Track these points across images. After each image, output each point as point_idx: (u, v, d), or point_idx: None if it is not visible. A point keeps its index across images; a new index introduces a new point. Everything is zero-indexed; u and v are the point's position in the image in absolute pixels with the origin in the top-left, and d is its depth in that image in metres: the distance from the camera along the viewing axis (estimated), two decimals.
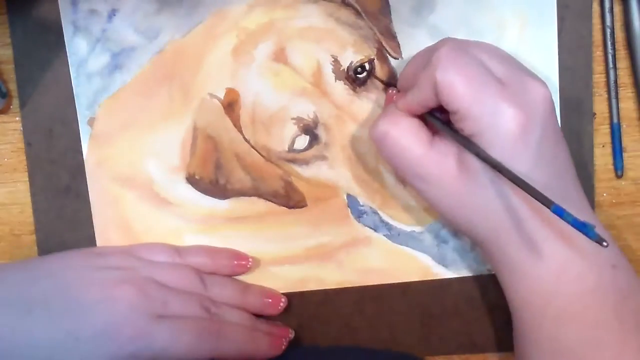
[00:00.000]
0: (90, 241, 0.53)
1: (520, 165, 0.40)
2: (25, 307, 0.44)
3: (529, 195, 0.39)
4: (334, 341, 0.54)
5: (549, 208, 0.38)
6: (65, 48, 0.52)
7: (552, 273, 0.42)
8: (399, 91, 0.49)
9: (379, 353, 0.53)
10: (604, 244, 0.36)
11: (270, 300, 0.52)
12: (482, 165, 0.41)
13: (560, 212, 0.37)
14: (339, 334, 0.54)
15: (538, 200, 0.38)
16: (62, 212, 0.53)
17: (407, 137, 0.44)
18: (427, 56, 0.43)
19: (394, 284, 0.53)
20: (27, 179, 0.53)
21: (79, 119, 0.52)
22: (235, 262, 0.52)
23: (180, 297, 0.48)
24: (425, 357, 0.53)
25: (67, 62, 0.52)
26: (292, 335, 0.52)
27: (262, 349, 0.50)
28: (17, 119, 0.53)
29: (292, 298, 0.53)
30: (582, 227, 0.37)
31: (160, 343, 0.45)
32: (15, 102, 0.53)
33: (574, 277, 0.42)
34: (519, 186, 0.39)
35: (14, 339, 0.43)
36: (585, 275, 0.42)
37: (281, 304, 0.52)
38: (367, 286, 0.53)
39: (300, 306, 0.53)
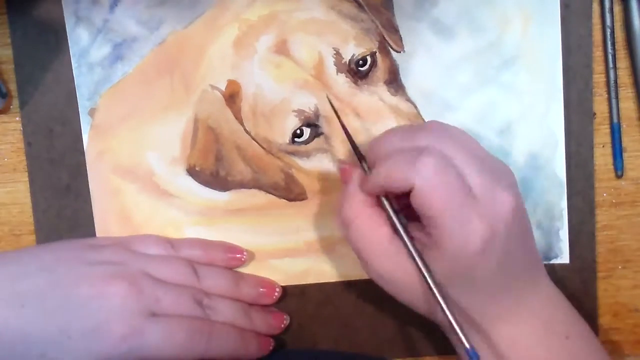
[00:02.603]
0: None
1: (478, 273, 0.42)
2: (18, 301, 0.44)
3: (487, 296, 0.43)
4: (334, 341, 0.54)
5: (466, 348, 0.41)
6: (65, 47, 0.52)
7: (505, 344, 0.44)
8: (362, 160, 0.47)
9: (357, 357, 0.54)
10: None
11: (264, 289, 0.52)
12: (439, 271, 0.42)
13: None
14: (339, 334, 0.54)
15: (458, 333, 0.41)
16: (62, 212, 0.53)
17: (370, 228, 0.44)
18: (408, 140, 0.43)
19: None
20: (27, 179, 0.53)
21: (79, 110, 0.52)
22: (230, 255, 0.52)
23: (173, 292, 0.47)
24: (426, 357, 0.54)
25: (67, 62, 0.52)
26: (287, 321, 0.53)
27: (252, 349, 0.50)
28: (17, 119, 0.53)
29: (292, 298, 0.53)
30: None
31: (152, 343, 0.45)
32: (15, 102, 0.53)
33: (524, 349, 0.44)
34: (445, 314, 0.42)
35: (7, 333, 0.43)
36: (534, 348, 0.44)
37: (276, 293, 0.52)
38: (368, 286, 0.53)
39: (301, 306, 0.53)
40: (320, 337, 0.54)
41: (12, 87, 0.53)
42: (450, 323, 0.42)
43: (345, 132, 0.48)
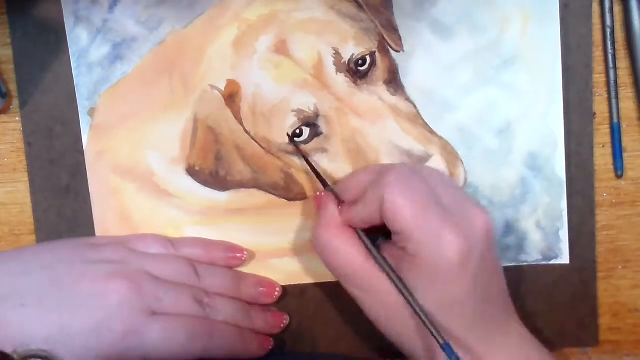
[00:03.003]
0: None
1: (456, 291, 0.42)
2: (19, 299, 0.44)
3: (467, 315, 0.43)
4: (334, 341, 0.54)
5: (440, 345, 0.41)
6: (65, 47, 0.52)
7: None
8: (335, 193, 0.48)
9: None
10: None
11: (264, 289, 0.52)
12: (416, 287, 0.43)
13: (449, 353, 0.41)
14: (339, 334, 0.54)
15: (433, 336, 0.41)
16: (62, 212, 0.53)
17: (346, 249, 0.45)
18: (377, 174, 0.45)
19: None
20: (27, 179, 0.53)
21: (79, 110, 0.52)
22: (230, 255, 0.52)
23: (173, 290, 0.48)
24: None
25: (67, 62, 0.52)
26: (286, 320, 0.53)
27: (251, 348, 0.50)
28: (17, 119, 0.53)
29: (292, 298, 0.53)
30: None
31: (152, 341, 0.45)
32: (15, 102, 0.53)
33: None
34: (423, 324, 0.42)
35: (8, 332, 0.43)
36: None
37: (276, 293, 0.52)
38: None
39: (301, 306, 0.53)
40: (320, 337, 0.54)
41: (12, 87, 0.53)
42: (424, 325, 0.42)
43: (309, 165, 0.50)
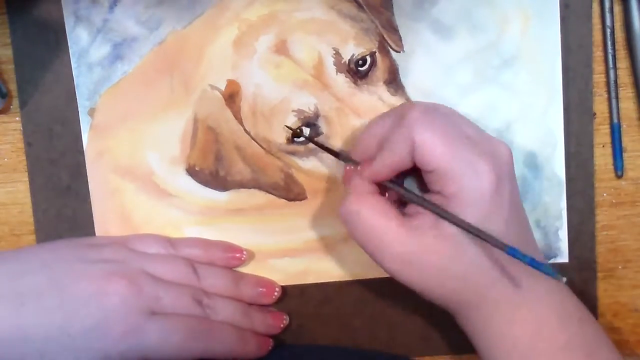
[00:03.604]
0: None
1: (496, 220, 0.42)
2: (18, 299, 0.44)
3: (505, 256, 0.41)
4: (334, 341, 0.54)
5: (524, 262, 0.41)
6: (65, 47, 0.52)
7: (527, 333, 0.43)
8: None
9: (360, 353, 0.54)
10: (563, 279, 0.39)
11: (264, 289, 0.52)
12: (461, 230, 0.42)
13: (533, 263, 0.40)
14: (339, 334, 0.54)
15: (516, 258, 0.41)
16: (62, 212, 0.53)
17: (379, 216, 0.44)
18: (395, 118, 0.44)
19: (394, 283, 0.52)
20: (27, 179, 0.53)
21: (79, 110, 0.52)
22: (230, 255, 0.52)
23: (172, 290, 0.47)
24: (426, 357, 0.54)
25: (67, 62, 0.52)
26: (286, 321, 0.52)
27: (251, 349, 0.50)
28: (17, 119, 0.53)
29: (292, 298, 0.53)
30: (551, 273, 0.41)
31: (152, 341, 0.45)
32: (15, 102, 0.53)
33: (547, 337, 0.43)
34: (496, 246, 0.41)
35: (6, 333, 0.43)
36: (556, 335, 0.43)
37: (275, 293, 0.52)
38: (367, 286, 0.53)
39: (300, 306, 0.53)
40: (320, 337, 0.54)
41: (12, 87, 0.53)
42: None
43: (316, 144, 0.50)
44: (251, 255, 0.53)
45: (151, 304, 0.46)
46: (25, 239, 0.54)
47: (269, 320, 0.52)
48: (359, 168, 0.46)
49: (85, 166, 0.53)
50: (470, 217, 0.42)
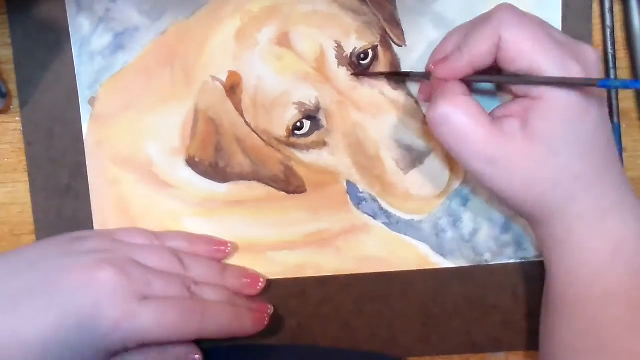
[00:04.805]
0: None
1: (585, 126, 0.41)
2: (10, 302, 0.43)
3: (595, 161, 0.42)
4: (333, 341, 0.53)
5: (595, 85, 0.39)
6: (65, 47, 0.52)
7: (608, 248, 0.42)
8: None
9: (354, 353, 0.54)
10: None
11: (248, 280, 0.52)
12: (551, 132, 0.41)
13: (606, 83, 0.39)
14: (339, 334, 0.53)
15: (610, 87, 0.39)
16: (62, 212, 0.53)
17: (469, 119, 0.42)
18: (475, 22, 0.44)
19: (393, 283, 0.52)
20: (27, 178, 0.53)
21: (79, 98, 0.52)
22: (215, 247, 0.52)
23: (161, 276, 0.47)
24: (425, 357, 0.53)
25: (68, 61, 0.52)
26: (271, 310, 0.51)
27: (246, 325, 0.49)
28: (17, 119, 0.53)
29: (292, 298, 0.53)
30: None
31: (146, 325, 0.44)
32: (15, 102, 0.53)
33: (629, 254, 0.42)
34: (586, 84, 0.40)
35: (3, 338, 0.43)
36: (634, 256, 0.42)
37: (260, 284, 0.52)
38: (367, 285, 0.53)
39: (300, 306, 0.53)
40: (320, 337, 0.54)
41: (12, 87, 0.53)
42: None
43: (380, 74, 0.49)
44: (249, 248, 0.53)
45: (142, 289, 0.45)
46: (25, 239, 0.54)
47: (254, 308, 0.51)
48: (431, 66, 0.45)
49: (85, 166, 0.53)
50: (557, 120, 0.41)
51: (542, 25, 0.42)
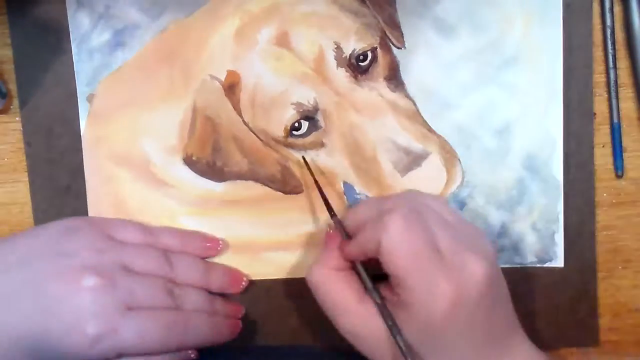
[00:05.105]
0: None
1: (449, 338, 0.42)
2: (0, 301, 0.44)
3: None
4: (333, 341, 0.52)
5: None
6: (65, 47, 0.52)
7: None
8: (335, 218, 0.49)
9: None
10: None
11: (232, 278, 0.52)
12: (414, 338, 0.42)
13: None
14: (338, 334, 0.52)
15: None
16: (62, 212, 0.53)
17: (339, 291, 0.45)
18: (377, 212, 0.45)
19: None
20: (27, 179, 0.53)
21: (77, 95, 0.52)
22: (207, 244, 0.52)
23: (146, 283, 0.47)
24: None
25: (68, 62, 0.52)
26: (243, 311, 0.52)
27: (224, 333, 0.50)
28: (17, 119, 0.53)
29: (291, 298, 0.53)
30: None
31: (128, 340, 0.44)
32: (15, 102, 0.53)
33: None
34: None
35: None
36: None
37: (243, 283, 0.52)
38: None
39: (300, 306, 0.53)
40: (318, 337, 0.53)
41: (12, 87, 0.53)
42: None
43: (322, 197, 0.49)
44: (245, 248, 0.52)
45: (126, 299, 0.45)
46: None
47: (228, 310, 0.52)
48: (330, 232, 0.48)
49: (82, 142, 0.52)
50: (421, 332, 0.42)
51: (428, 234, 0.43)
